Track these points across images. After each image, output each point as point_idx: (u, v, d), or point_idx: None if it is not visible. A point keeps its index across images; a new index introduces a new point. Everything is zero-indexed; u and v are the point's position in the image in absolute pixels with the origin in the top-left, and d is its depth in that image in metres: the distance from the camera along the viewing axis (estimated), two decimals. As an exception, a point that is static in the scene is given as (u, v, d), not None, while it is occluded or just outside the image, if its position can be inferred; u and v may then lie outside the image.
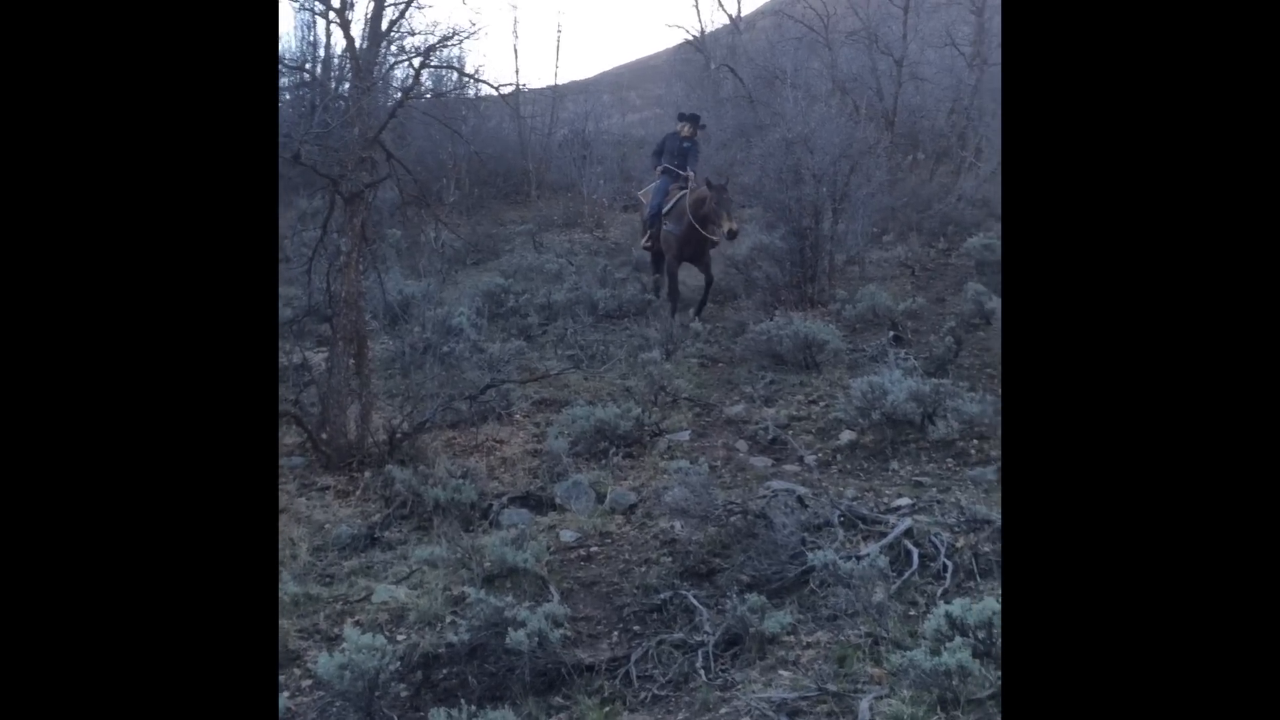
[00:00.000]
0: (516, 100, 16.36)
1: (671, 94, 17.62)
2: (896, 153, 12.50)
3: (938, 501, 5.23)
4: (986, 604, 3.54)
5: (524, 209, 15.08)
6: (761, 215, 11.99)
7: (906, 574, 4.41)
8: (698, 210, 9.34)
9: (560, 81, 21.56)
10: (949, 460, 6.01)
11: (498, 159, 15.79)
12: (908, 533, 4.69)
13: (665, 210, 9.85)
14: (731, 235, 9.26)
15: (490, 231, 13.39)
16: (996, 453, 5.97)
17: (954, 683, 3.26)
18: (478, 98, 16.47)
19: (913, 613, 4.13)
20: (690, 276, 10.13)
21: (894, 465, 6.02)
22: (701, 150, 10.96)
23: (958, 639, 3.44)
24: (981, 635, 3.48)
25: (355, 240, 6.58)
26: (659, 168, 10.36)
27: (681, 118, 10.78)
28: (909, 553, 4.54)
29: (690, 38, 19.11)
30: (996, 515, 4.82)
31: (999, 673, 3.40)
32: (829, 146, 10.14)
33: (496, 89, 13.41)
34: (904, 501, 5.30)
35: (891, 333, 8.37)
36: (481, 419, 7.14)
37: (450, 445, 6.81)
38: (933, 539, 4.63)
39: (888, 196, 11.36)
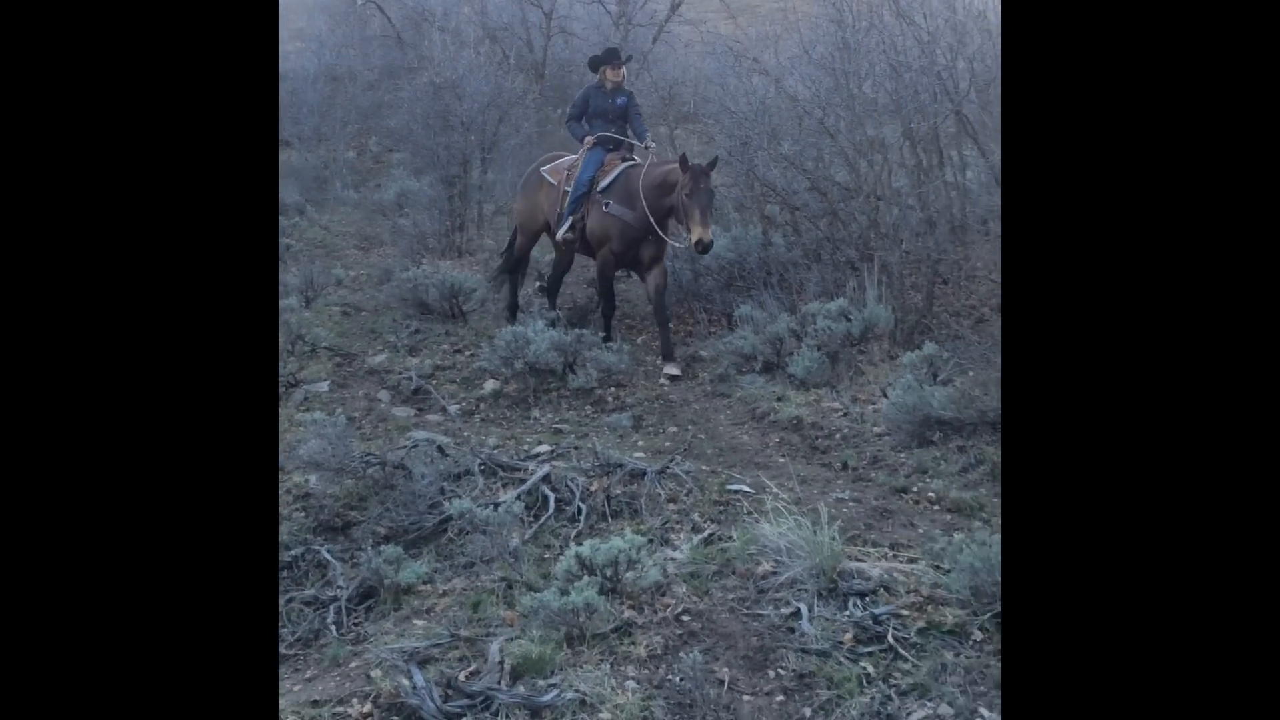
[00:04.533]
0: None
1: (314, 27, 16.70)
2: (545, 105, 12.62)
3: (575, 447, 5.40)
4: (614, 543, 3.70)
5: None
6: (409, 161, 11.74)
7: (543, 518, 4.52)
8: (660, 196, 6.63)
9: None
10: (587, 407, 6.21)
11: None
12: (545, 478, 4.80)
13: (603, 186, 6.97)
14: (702, 248, 6.33)
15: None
16: (632, 399, 6.26)
17: (580, 619, 3.39)
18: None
19: (547, 555, 4.25)
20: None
21: (535, 413, 6.14)
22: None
23: (586, 578, 3.58)
24: (609, 573, 3.65)
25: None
26: (586, 136, 7.27)
27: (600, 61, 7.40)
28: (546, 498, 4.66)
29: (336, -31, 18.16)
30: (629, 459, 5.05)
31: (624, 607, 3.58)
32: (478, 94, 10.09)
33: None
34: (544, 448, 5.42)
35: (538, 284, 8.50)
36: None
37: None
38: (569, 483, 4.78)
39: (536, 148, 11.46)
